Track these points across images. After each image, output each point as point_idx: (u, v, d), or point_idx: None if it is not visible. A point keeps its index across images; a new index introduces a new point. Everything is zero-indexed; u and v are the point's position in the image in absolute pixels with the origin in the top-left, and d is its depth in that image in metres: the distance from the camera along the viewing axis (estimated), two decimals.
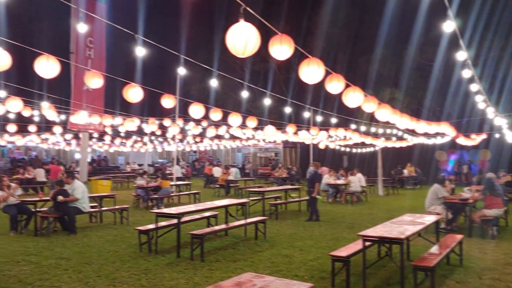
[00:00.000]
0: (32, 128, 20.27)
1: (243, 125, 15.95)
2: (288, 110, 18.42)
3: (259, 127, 19.02)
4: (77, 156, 36.00)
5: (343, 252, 6.71)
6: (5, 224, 11.02)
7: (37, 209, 10.82)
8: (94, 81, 8.18)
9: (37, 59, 6.78)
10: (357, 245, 6.90)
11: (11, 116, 17.71)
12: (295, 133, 20.12)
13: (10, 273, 7.02)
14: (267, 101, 14.96)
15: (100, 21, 20.05)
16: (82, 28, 11.80)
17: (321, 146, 26.20)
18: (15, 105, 11.25)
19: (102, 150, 39.85)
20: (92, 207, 11.94)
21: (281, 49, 5.54)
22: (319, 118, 20.20)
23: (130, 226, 11.43)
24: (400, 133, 22.38)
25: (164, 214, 8.89)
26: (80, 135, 25.53)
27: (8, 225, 10.70)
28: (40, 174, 21.71)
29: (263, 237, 9.93)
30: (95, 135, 27.44)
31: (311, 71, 6.30)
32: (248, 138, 28.52)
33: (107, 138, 28.55)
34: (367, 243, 6.57)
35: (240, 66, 36.14)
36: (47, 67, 6.73)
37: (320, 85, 7.25)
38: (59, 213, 10.60)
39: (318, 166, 14.13)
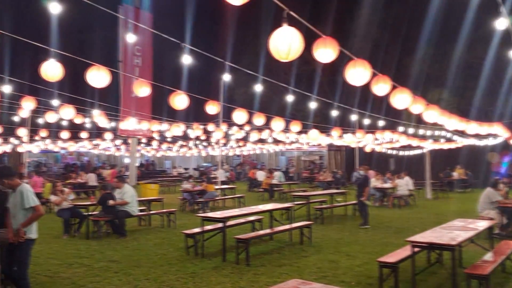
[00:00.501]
0: (84, 134, 21.14)
1: (286, 129, 15.92)
2: (333, 113, 18.21)
3: (303, 130, 18.92)
4: (127, 160, 37.13)
5: (391, 258, 6.54)
6: (59, 227, 11.48)
7: (89, 213, 11.22)
8: (142, 89, 8.43)
9: (88, 70, 7.06)
10: (406, 251, 6.71)
11: (64, 123, 18.51)
12: (340, 136, 19.87)
13: (64, 275, 7.32)
14: (311, 105, 14.84)
15: (146, 30, 20.61)
16: (130, 38, 12.20)
17: (367, 149, 25.72)
18: (68, 113, 11.76)
19: (150, 154, 40.94)
20: (141, 210, 12.27)
21: (326, 52, 5.50)
22: (365, 121, 19.84)
23: (177, 230, 11.65)
24: (448, 135, 21.62)
25: (210, 218, 9.01)
26: (129, 140, 26.36)
27: (62, 229, 11.15)
28: (91, 179, 22.53)
29: (309, 242, 9.84)
30: (143, 140, 28.22)
31: (357, 73, 6.21)
32: (292, 142, 28.44)
33: (155, 143, 29.29)
34: (416, 249, 6.38)
35: (283, 70, 36.11)
36: (98, 77, 7.00)
37: (366, 87, 7.12)
38: (110, 217, 10.95)
39: (367, 170, 13.87)
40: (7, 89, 11.35)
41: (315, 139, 17.73)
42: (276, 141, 28.56)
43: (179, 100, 8.86)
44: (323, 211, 13.47)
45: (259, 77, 14.03)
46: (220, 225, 8.76)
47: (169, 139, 28.04)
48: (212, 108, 10.83)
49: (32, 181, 16.27)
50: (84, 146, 31.14)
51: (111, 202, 10.90)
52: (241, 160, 46.39)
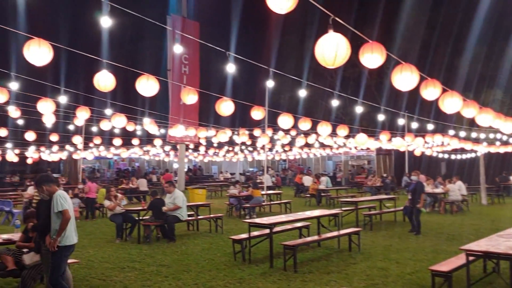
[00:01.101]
0: (135, 141, 21.84)
1: (333, 133, 15.76)
2: (380, 117, 17.86)
3: (351, 134, 18.65)
4: (175, 166, 37.98)
5: (444, 266, 6.33)
6: (112, 232, 11.89)
7: (140, 218, 11.55)
8: (190, 97, 8.63)
9: (138, 79, 7.32)
10: (460, 260, 6.46)
11: (117, 131, 19.22)
12: (389, 140, 19.44)
13: (117, 279, 7.57)
14: (358, 109, 14.61)
15: (194, 38, 21.05)
16: (177, 49, 12.57)
17: (417, 153, 24.98)
18: (120, 121, 12.22)
19: (197, 160, 41.66)
20: (189, 215, 12.50)
21: (372, 57, 5.42)
22: (414, 125, 19.30)
23: (224, 235, 11.78)
24: (505, 138, 20.64)
25: (257, 224, 9.05)
26: (178, 146, 26.95)
27: (115, 233, 11.54)
28: (142, 184, 23.18)
29: (357, 248, 9.68)
30: (191, 146, 28.78)
31: (404, 78, 6.07)
32: (339, 146, 28.09)
33: (202, 149, 29.81)
34: (471, 258, 6.13)
35: (329, 73, 35.79)
36: (147, 86, 7.24)
37: (415, 89, 6.94)
38: (160, 222, 11.23)
39: (419, 175, 13.47)
40: (63, 99, 11.91)
41: (363, 143, 17.40)
42: (323, 146, 28.29)
43: (225, 107, 9.00)
44: (371, 217, 13.21)
45: (304, 82, 13.95)
46: (267, 231, 8.79)
47: (215, 145, 28.45)
48: (257, 113, 10.91)
49: (87, 187, 16.97)
50: (135, 152, 32.18)
51: (164, 208, 11.18)
52: (287, 165, 46.29)
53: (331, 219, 12.86)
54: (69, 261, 6.55)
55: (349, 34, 5.24)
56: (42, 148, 27.01)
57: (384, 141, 19.68)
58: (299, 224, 10.55)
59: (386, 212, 14.79)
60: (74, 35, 29.32)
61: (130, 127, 15.36)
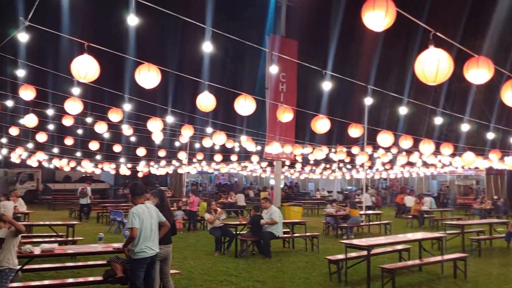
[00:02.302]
0: (233, 157, 22.63)
1: (437, 151, 14.92)
2: (490, 135, 16.51)
3: (456, 153, 17.50)
4: (272, 182, 38.51)
5: None
6: (211, 244, 12.32)
7: (237, 232, 11.85)
8: (285, 115, 8.76)
9: (236, 99, 7.62)
10: None
11: (217, 147, 20.11)
12: (501, 159, 17.89)
13: None
14: (464, 127, 13.67)
15: (291, 56, 21.39)
16: (274, 69, 12.82)
17: None
18: (220, 138, 12.77)
19: (293, 176, 41.82)
20: (284, 232, 12.54)
21: (478, 73, 5.09)
22: None
23: (321, 254, 11.62)
24: None
25: (354, 245, 8.83)
26: (274, 163, 27.35)
27: (214, 246, 11.96)
28: (240, 199, 23.77)
29: (463, 276, 8.99)
30: (287, 163, 29.04)
31: None
32: (444, 165, 26.45)
33: (298, 166, 29.92)
34: None
35: (433, 88, 33.96)
36: (245, 106, 7.50)
37: None
38: (256, 237, 11.43)
39: None
40: (170, 119, 12.81)
41: (470, 162, 16.21)
42: (426, 165, 26.83)
43: (321, 124, 8.99)
44: (480, 242, 12.19)
45: (405, 99, 13.42)
46: (364, 252, 8.53)
47: (311, 162, 28.38)
48: (355, 131, 10.72)
49: (190, 200, 17.87)
50: (234, 168, 33.27)
51: (262, 221, 11.39)
52: (388, 184, 44.52)
53: (434, 243, 12.10)
54: (171, 271, 6.94)
55: (454, 48, 5.00)
56: (152, 163, 29.13)
57: (495, 161, 18.15)
58: (399, 247, 10.09)
59: (498, 237, 13.56)
60: (180, 59, 31.38)
61: (229, 144, 15.98)
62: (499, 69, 5.48)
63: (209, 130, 15.45)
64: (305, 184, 48.31)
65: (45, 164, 28.72)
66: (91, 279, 7.29)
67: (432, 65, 4.53)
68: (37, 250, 6.58)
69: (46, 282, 7.21)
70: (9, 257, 5.15)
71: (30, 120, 11.94)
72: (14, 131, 15.73)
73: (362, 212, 18.04)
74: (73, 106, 9.27)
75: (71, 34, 7.80)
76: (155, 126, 11.42)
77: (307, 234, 12.97)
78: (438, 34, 4.84)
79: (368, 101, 10.49)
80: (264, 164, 30.53)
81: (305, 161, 27.57)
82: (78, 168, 29.27)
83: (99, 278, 6.75)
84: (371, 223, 17.77)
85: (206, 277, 8.97)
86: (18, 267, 6.23)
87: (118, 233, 15.91)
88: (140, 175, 31.30)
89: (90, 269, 8.53)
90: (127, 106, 11.55)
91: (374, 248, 8.82)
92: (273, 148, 15.16)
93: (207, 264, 10.25)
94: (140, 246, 5.78)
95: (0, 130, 19.98)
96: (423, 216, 19.84)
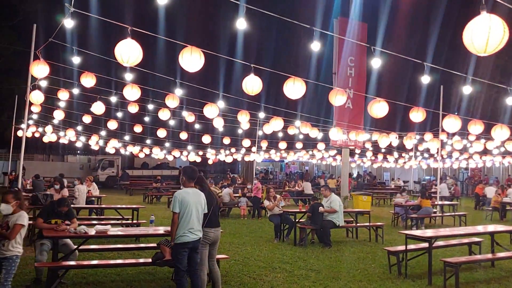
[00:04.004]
0: (298, 145, 22.28)
1: None
2: None
3: None
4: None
5: None
6: (272, 231, 12.21)
7: (297, 220, 11.63)
8: (337, 98, 8.34)
9: (285, 83, 7.35)
10: None
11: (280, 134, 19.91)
12: None
13: (266, 279, 7.68)
14: None
15: (360, 39, 20.57)
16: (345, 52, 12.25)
17: None
18: (277, 124, 12.55)
19: (365, 165, 40.64)
20: (347, 222, 12.12)
21: None
22: None
23: (384, 245, 11.06)
24: None
25: (415, 237, 8.26)
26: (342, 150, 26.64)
27: (273, 233, 11.85)
28: (307, 187, 23.44)
29: None
30: (357, 151, 28.16)
31: None
32: None
33: (369, 154, 28.93)
34: None
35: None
36: (293, 88, 7.21)
37: None
38: (316, 226, 11.14)
39: None
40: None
41: None
42: (509, 153, 24.75)
43: (377, 108, 8.45)
44: None
45: (469, 77, 12.19)
46: (426, 244, 7.96)
47: (383, 150, 27.28)
48: (416, 115, 9.97)
49: (255, 187, 17.92)
50: (301, 156, 32.97)
51: (321, 208, 11.10)
52: (469, 174, 41.75)
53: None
54: (218, 256, 6.90)
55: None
56: (221, 151, 29.67)
57: None
58: (466, 240, 9.32)
59: None
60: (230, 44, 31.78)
61: (292, 131, 15.68)
62: None
63: (261, 115, 15.26)
64: (380, 174, 46.75)
65: (122, 151, 30.17)
66: (141, 260, 7.47)
67: (482, 33, 3.96)
68: (91, 231, 6.84)
69: (94, 262, 7.54)
70: (15, 244, 5.37)
71: (98, 108, 12.48)
72: (86, 119, 16.60)
73: (437, 203, 16.99)
74: (131, 92, 9.50)
75: (115, 19, 7.91)
76: (211, 112, 11.46)
77: (371, 224, 12.43)
78: None
79: (425, 79, 9.39)
80: (332, 152, 29.88)
81: (377, 149, 26.54)
82: (153, 155, 30.45)
83: (148, 260, 6.87)
84: (444, 214, 16.71)
85: (260, 263, 8.87)
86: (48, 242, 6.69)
87: None
88: (210, 162, 31.99)
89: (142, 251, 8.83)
90: (178, 91, 11.64)
91: (437, 240, 8.18)
92: (336, 134, 14.63)
93: (264, 251, 10.16)
94: (182, 230, 5.75)
95: (76, 118, 21.22)
96: (505, 208, 18.32)
